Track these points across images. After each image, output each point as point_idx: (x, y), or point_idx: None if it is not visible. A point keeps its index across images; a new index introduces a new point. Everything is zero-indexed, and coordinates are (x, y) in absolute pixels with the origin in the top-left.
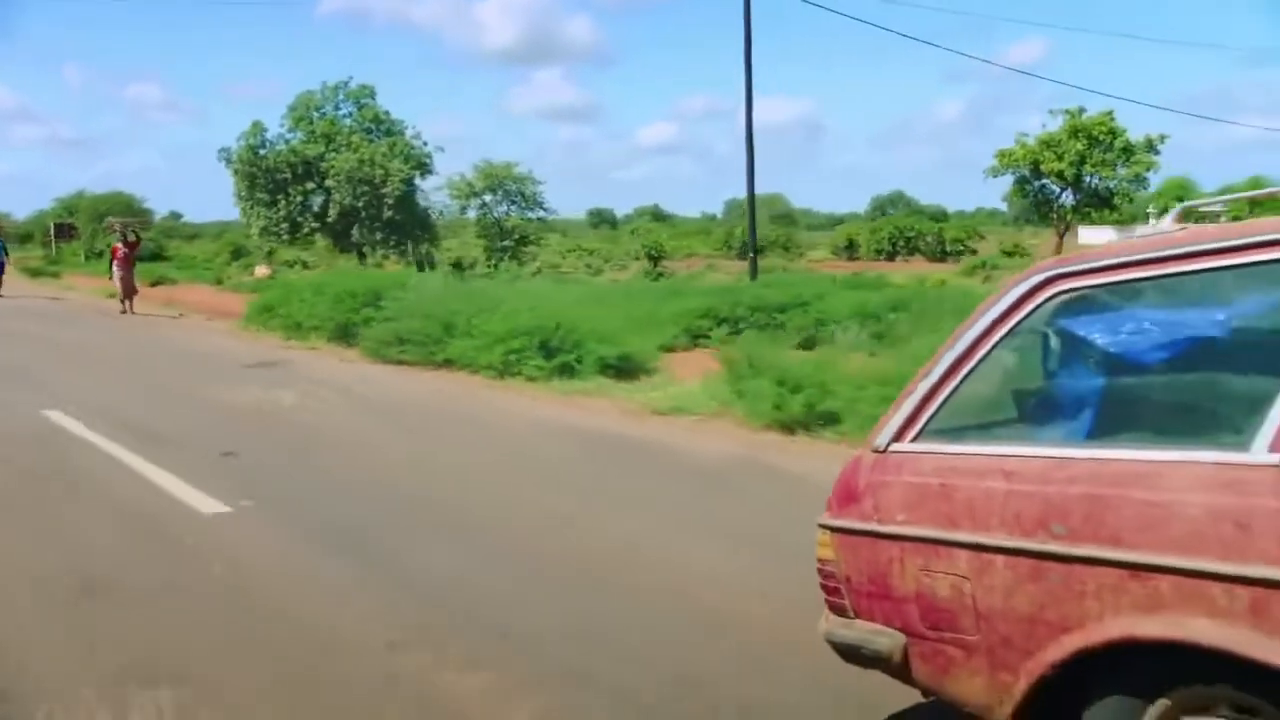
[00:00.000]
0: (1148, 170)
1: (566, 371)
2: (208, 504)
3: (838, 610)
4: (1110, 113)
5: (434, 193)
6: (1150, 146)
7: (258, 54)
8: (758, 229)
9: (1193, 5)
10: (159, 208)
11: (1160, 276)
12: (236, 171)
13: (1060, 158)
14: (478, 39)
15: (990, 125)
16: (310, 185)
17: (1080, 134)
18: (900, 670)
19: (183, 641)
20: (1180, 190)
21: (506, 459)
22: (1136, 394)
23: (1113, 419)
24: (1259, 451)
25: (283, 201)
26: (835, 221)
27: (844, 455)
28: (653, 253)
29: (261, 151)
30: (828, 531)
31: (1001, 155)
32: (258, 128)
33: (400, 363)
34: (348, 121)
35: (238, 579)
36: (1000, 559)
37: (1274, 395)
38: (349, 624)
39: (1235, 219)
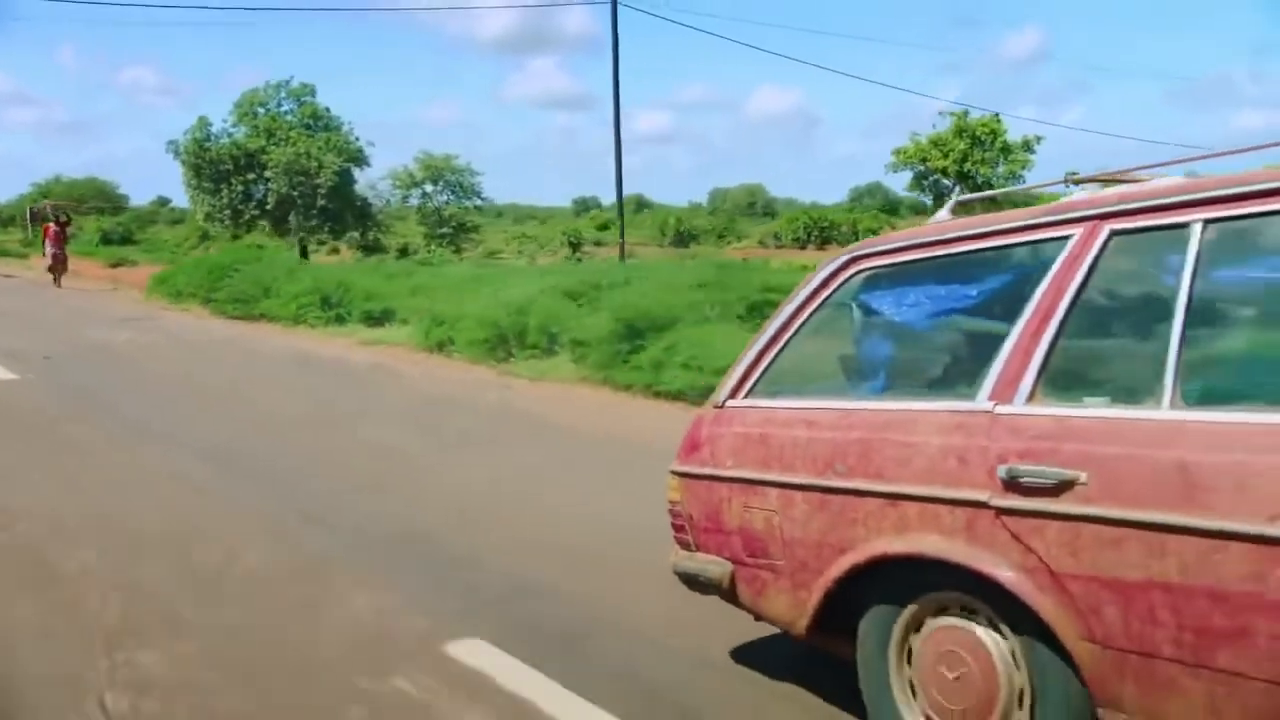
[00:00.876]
0: (1023, 168)
1: (338, 320)
2: (6, 375)
3: (683, 545)
4: (996, 116)
5: (380, 182)
6: (1027, 146)
7: (252, 39)
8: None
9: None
10: (148, 193)
11: (931, 259)
12: (184, 163)
13: (946, 155)
14: (472, 28)
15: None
16: (251, 176)
17: (964, 134)
18: (730, 594)
19: None
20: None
21: (245, 367)
22: (910, 355)
23: (894, 376)
24: (981, 400)
25: (225, 190)
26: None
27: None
28: (572, 240)
29: (207, 145)
30: (676, 477)
31: (898, 153)
32: (203, 122)
33: (234, 317)
34: (289, 118)
35: (5, 407)
36: (800, 495)
37: (996, 355)
38: (74, 431)
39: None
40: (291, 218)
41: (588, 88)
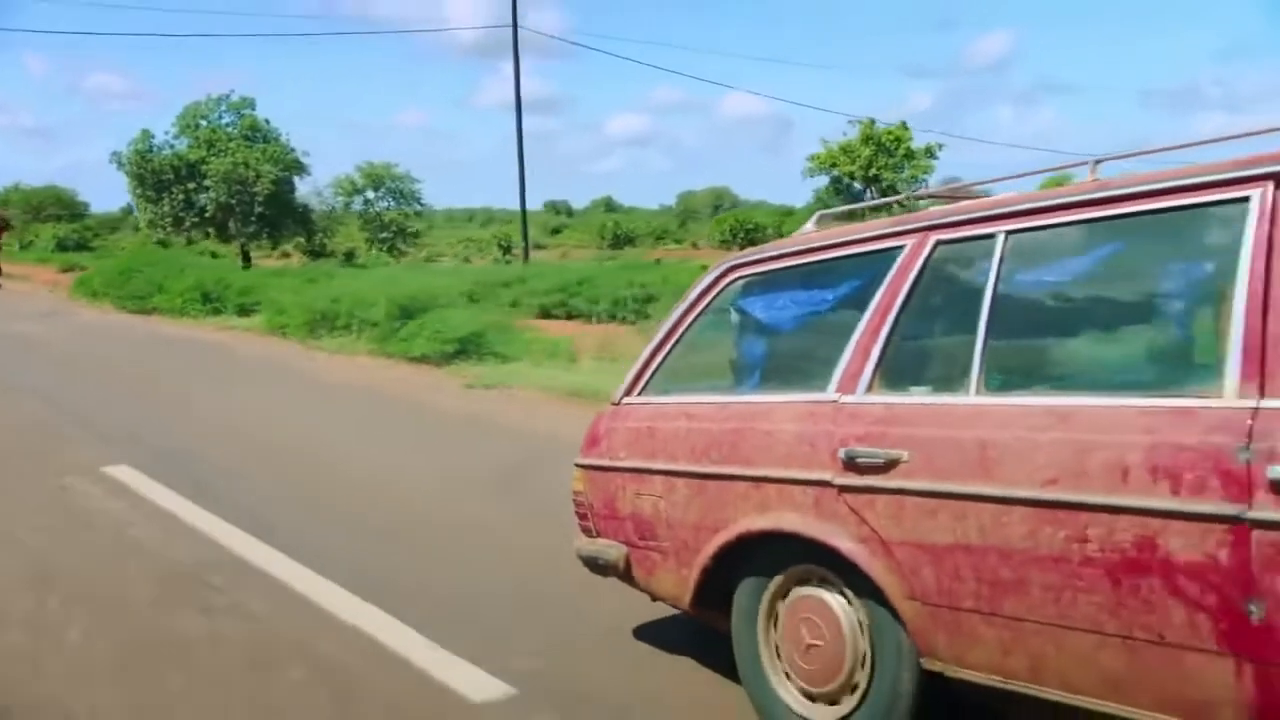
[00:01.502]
0: (925, 173)
1: (215, 311)
2: None
3: (586, 531)
4: (903, 123)
5: (325, 189)
6: (929, 153)
7: (223, 47)
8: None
9: None
10: (118, 201)
11: (795, 266)
12: (128, 173)
13: (853, 161)
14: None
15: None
16: (192, 185)
17: (870, 141)
18: (626, 575)
19: None
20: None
21: (122, 347)
22: (778, 354)
23: (766, 373)
24: (830, 392)
25: (166, 199)
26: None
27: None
28: (502, 243)
29: (149, 155)
30: (579, 469)
31: (812, 159)
32: (146, 135)
33: (133, 312)
34: (230, 130)
35: None
36: (681, 481)
37: (843, 351)
38: None
39: None
40: (231, 224)
41: (559, 90)
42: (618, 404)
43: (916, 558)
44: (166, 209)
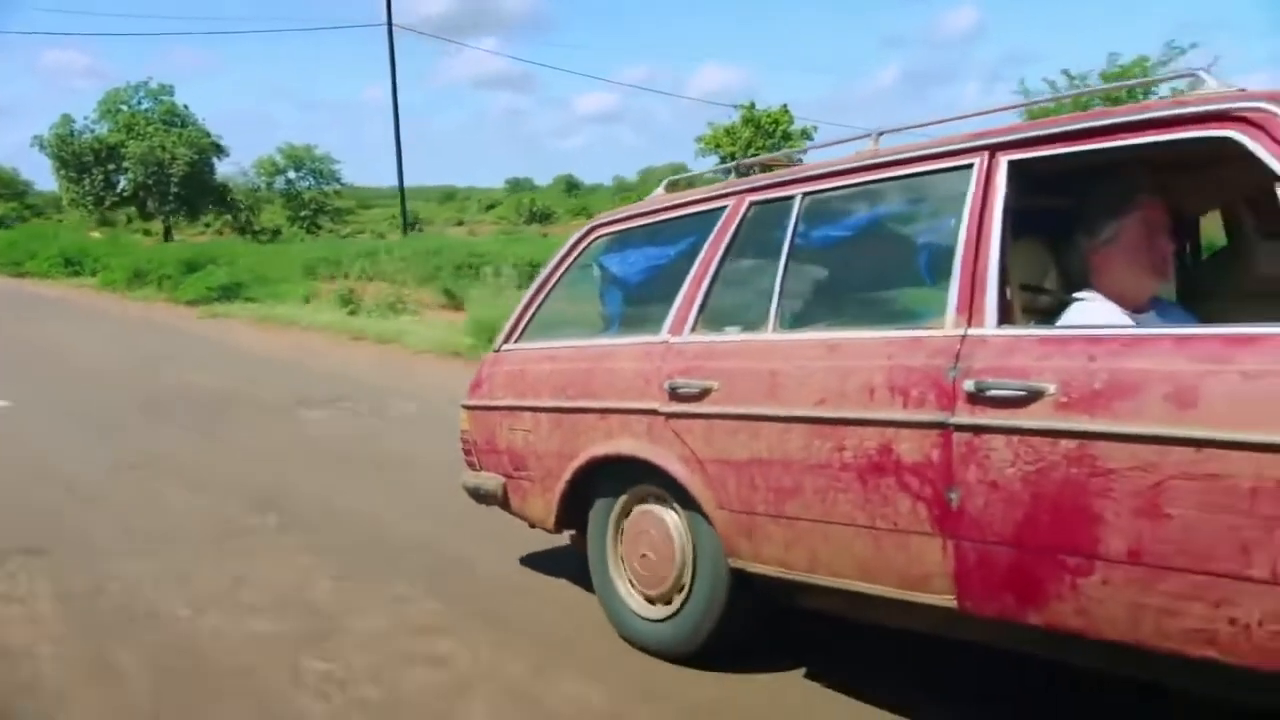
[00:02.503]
0: (800, 151)
1: (75, 274)
2: None
3: (471, 466)
4: (784, 106)
5: (250, 169)
6: (805, 135)
7: (192, 25)
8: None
9: None
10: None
11: (644, 225)
12: (50, 155)
13: (734, 142)
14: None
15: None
16: (111, 166)
17: (750, 124)
18: (504, 503)
19: None
20: None
21: None
22: (630, 302)
23: (621, 320)
24: (663, 334)
25: (87, 180)
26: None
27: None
28: (411, 220)
29: (70, 138)
30: (464, 410)
31: (699, 139)
32: (66, 119)
33: (10, 275)
34: (150, 115)
35: None
36: (545, 415)
37: (675, 298)
38: None
39: None
40: (149, 203)
41: (527, 69)
42: (498, 351)
43: (723, 472)
44: (87, 189)
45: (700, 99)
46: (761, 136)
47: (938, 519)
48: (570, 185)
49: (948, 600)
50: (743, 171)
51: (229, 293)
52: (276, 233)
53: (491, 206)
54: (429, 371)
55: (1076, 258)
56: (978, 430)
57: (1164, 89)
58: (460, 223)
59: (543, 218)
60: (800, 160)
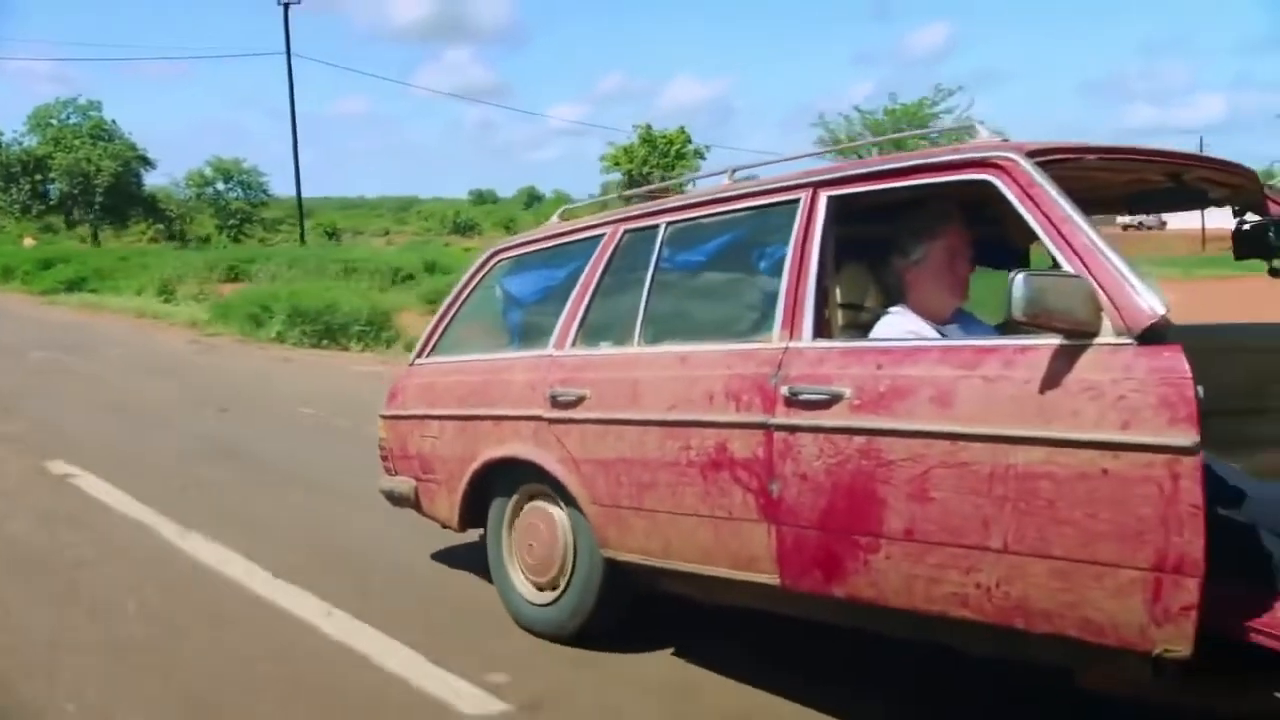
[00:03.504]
0: (692, 170)
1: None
2: None
3: (388, 471)
4: (681, 128)
5: (181, 180)
6: (699, 154)
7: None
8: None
9: None
10: None
11: (539, 250)
12: None
13: (631, 160)
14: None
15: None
16: (39, 177)
17: (647, 143)
18: (416, 505)
19: None
20: None
21: None
22: (526, 320)
23: (520, 336)
24: (549, 349)
25: (14, 189)
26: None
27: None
28: (328, 230)
29: None
30: (382, 419)
31: (602, 158)
32: None
33: None
34: (79, 129)
35: None
36: (450, 423)
37: (560, 316)
38: None
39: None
40: (74, 212)
41: (501, 79)
42: (412, 365)
43: (595, 471)
44: (15, 197)
45: (578, 122)
46: (657, 155)
47: (762, 508)
48: (532, 197)
49: (772, 579)
50: (635, 199)
51: (75, 285)
52: (206, 240)
53: (428, 218)
54: (163, 336)
55: (893, 277)
56: (792, 430)
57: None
58: (386, 232)
59: (469, 228)
60: (683, 189)
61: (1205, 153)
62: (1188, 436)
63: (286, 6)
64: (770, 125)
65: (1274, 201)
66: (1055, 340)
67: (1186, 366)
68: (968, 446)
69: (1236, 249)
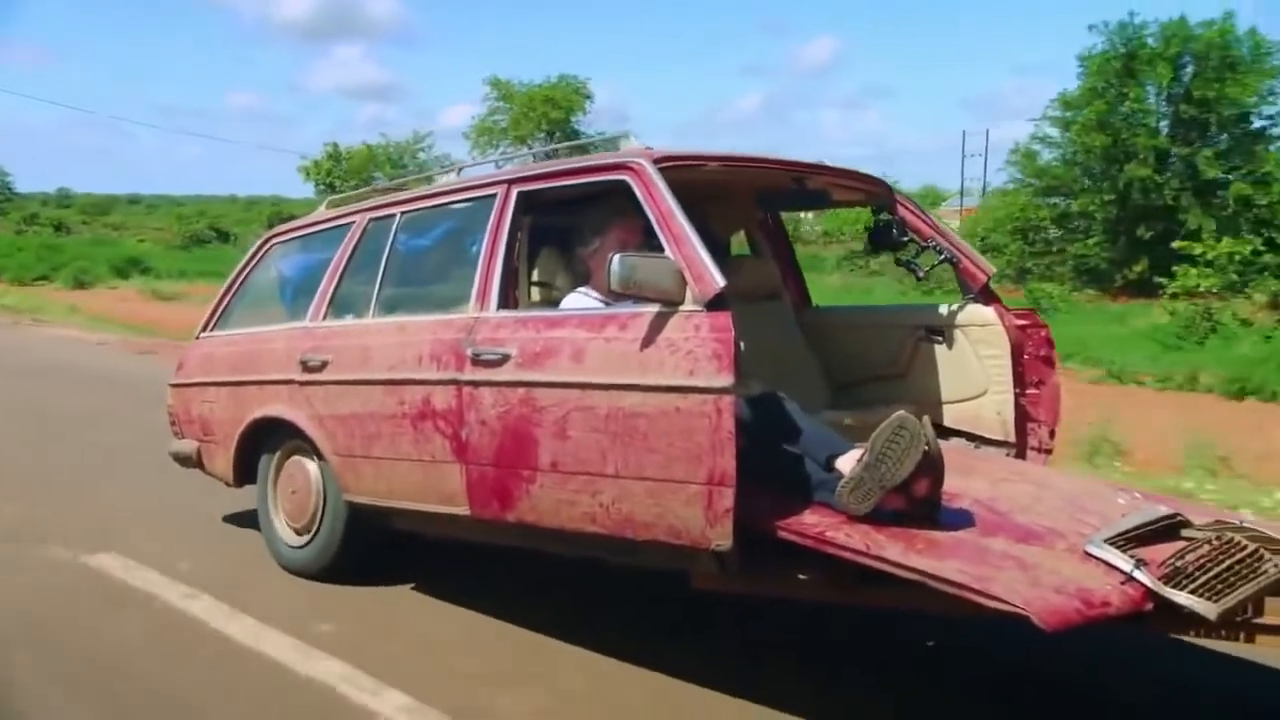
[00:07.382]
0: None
1: None
2: None
3: (176, 435)
4: (368, 145)
5: None
6: (392, 164)
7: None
8: None
9: None
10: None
11: (306, 235)
12: None
13: (319, 171)
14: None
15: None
16: None
17: (333, 158)
18: (200, 464)
19: None
20: None
21: None
22: (295, 297)
23: (289, 311)
24: (305, 321)
25: None
26: None
27: None
28: (54, 224)
29: None
30: (171, 388)
31: (299, 169)
32: None
33: None
34: None
35: None
36: (224, 389)
37: (316, 292)
38: None
39: None
40: None
41: (397, 78)
42: (197, 338)
43: (335, 425)
44: None
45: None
46: (340, 170)
47: (455, 450)
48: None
49: (464, 510)
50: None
51: None
52: None
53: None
54: None
55: (579, 262)
56: (475, 384)
57: None
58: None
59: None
60: (404, 187)
61: (833, 164)
62: (726, 380)
63: None
64: (666, 130)
65: (903, 205)
66: (655, 308)
67: (732, 327)
68: (592, 394)
69: (868, 244)
